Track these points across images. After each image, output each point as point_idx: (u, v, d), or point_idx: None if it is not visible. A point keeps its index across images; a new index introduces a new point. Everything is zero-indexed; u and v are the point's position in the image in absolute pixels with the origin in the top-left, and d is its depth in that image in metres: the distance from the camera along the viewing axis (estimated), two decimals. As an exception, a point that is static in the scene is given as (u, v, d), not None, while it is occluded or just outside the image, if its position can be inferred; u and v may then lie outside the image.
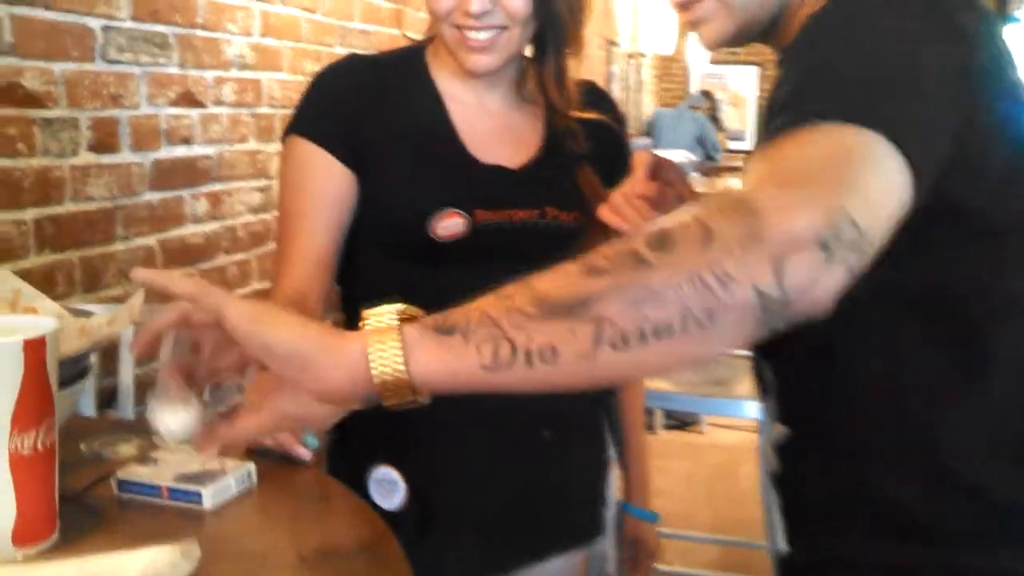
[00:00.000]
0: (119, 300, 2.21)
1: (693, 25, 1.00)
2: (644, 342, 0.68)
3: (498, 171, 1.38)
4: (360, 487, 1.31)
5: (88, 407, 1.89)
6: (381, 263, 1.37)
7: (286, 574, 0.97)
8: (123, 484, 1.12)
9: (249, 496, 1.13)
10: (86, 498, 1.10)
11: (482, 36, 1.29)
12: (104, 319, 1.24)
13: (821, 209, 0.69)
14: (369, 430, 1.25)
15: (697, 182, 6.65)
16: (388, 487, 1.33)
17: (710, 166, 8.91)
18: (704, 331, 0.68)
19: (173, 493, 1.10)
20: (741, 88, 11.71)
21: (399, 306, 0.79)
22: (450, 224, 1.31)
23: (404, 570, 0.97)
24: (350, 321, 1.40)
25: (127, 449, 1.26)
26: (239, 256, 2.93)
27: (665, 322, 0.68)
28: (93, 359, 1.29)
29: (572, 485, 1.44)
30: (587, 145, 1.42)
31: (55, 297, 1.42)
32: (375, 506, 1.25)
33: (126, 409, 1.96)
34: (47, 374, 0.92)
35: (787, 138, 0.77)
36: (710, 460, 4.58)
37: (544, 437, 1.38)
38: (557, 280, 0.72)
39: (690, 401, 2.85)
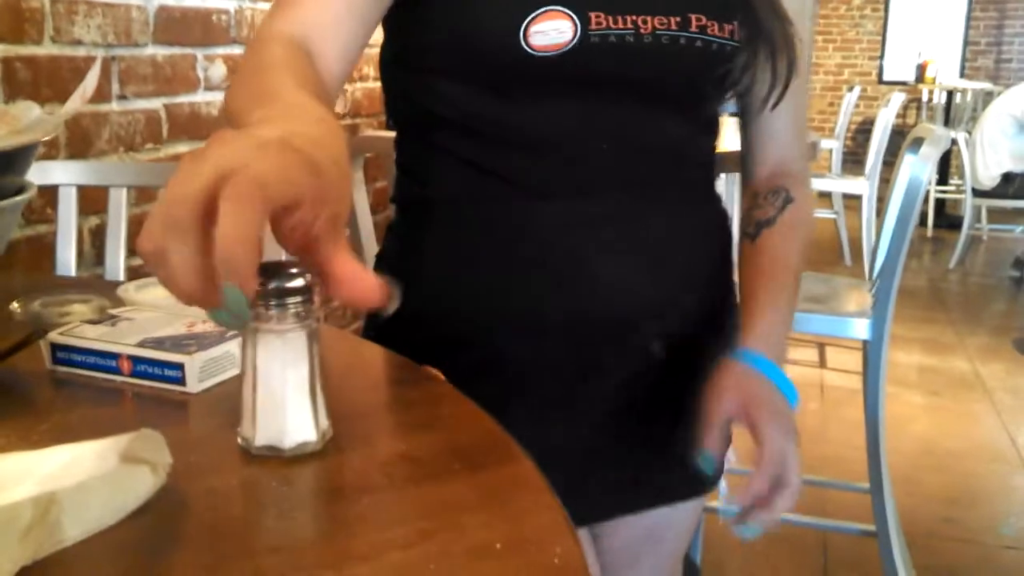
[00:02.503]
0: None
1: None
2: None
3: None
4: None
5: (66, 264, 1.47)
6: (452, 93, 0.91)
7: (318, 507, 0.55)
8: (60, 352, 0.70)
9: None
10: None
11: None
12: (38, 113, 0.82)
13: None
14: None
15: None
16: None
17: None
18: None
19: (139, 366, 0.68)
20: None
21: None
22: (550, 29, 0.86)
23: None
24: (407, 179, 0.98)
25: (81, 310, 0.84)
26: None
27: None
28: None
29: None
30: None
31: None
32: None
33: (115, 266, 1.53)
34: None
35: None
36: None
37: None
38: None
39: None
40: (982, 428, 3.43)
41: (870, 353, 2.19)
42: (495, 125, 0.89)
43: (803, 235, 1.00)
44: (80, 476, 0.45)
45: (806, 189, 1.02)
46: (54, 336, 0.71)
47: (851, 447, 2.86)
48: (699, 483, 1.02)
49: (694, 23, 0.90)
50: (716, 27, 0.91)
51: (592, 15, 0.86)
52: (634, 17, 0.88)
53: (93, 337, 0.70)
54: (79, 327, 0.72)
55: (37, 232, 1.74)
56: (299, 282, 0.56)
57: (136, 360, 0.68)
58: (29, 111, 0.91)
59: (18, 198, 0.83)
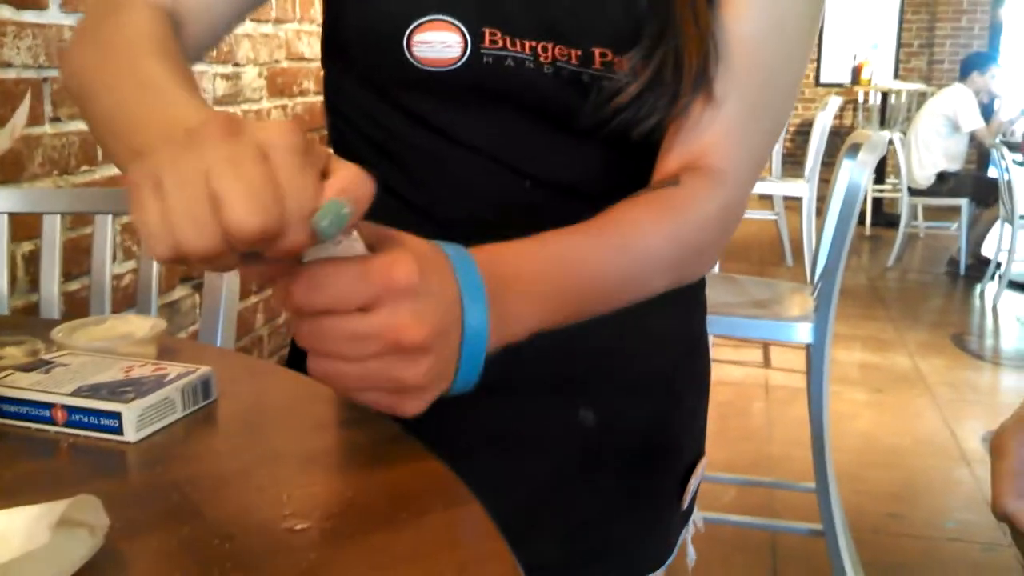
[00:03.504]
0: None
1: None
2: None
3: None
4: None
5: None
6: (356, 94, 0.86)
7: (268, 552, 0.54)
8: (-8, 402, 0.68)
9: (205, 418, 0.70)
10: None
11: None
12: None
13: None
14: None
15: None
16: None
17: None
18: None
19: (73, 416, 0.66)
20: None
21: None
22: (437, 41, 0.77)
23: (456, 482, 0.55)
24: (339, 152, 0.91)
25: (13, 353, 0.82)
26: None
27: None
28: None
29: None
30: None
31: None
32: None
33: (51, 294, 1.49)
34: None
35: None
36: (718, 398, 4.22)
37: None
38: None
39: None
40: (924, 423, 3.49)
41: (813, 356, 2.22)
42: (387, 133, 0.83)
43: (678, 224, 0.75)
44: (10, 553, 0.44)
45: (718, 190, 0.77)
46: (-17, 386, 0.68)
47: (797, 445, 2.90)
48: (649, 561, 0.94)
49: (598, 59, 0.77)
50: (624, 63, 0.76)
51: (487, 31, 0.77)
52: (533, 43, 0.77)
53: (25, 386, 0.68)
54: (11, 375, 0.70)
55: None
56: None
57: (71, 409, 0.66)
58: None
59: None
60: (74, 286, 1.98)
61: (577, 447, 0.87)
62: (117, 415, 0.65)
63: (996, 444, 0.70)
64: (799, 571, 2.48)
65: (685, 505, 0.95)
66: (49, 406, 0.66)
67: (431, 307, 0.54)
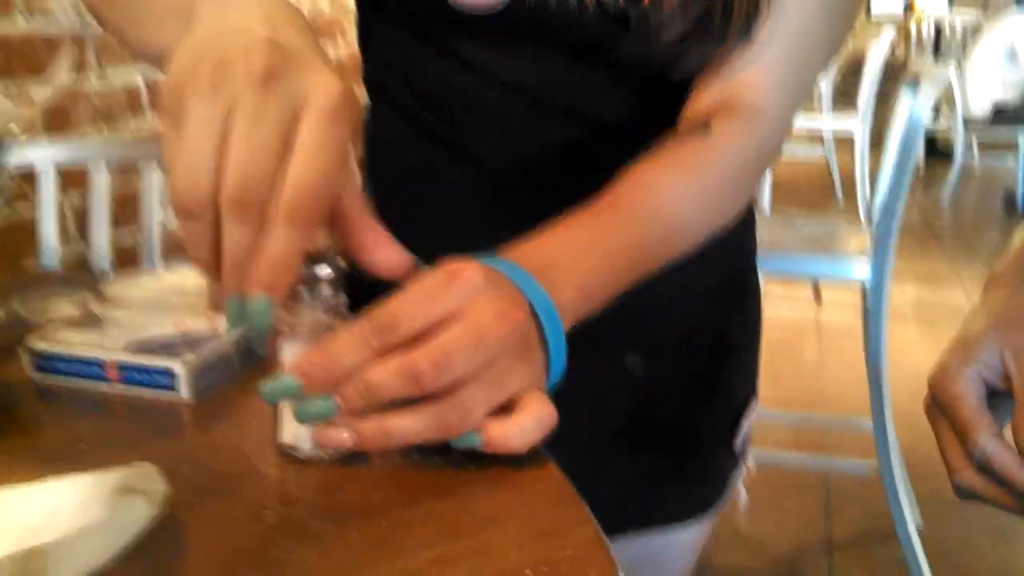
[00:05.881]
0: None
1: None
2: None
3: None
4: None
5: (51, 248, 1.42)
6: (395, 38, 0.81)
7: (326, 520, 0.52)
8: (42, 360, 0.66)
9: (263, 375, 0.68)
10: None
11: None
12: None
13: None
14: None
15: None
16: None
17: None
18: None
19: (126, 373, 0.64)
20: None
21: None
22: None
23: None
24: (372, 96, 0.87)
25: (65, 308, 0.80)
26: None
27: None
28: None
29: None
30: None
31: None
32: None
33: (101, 245, 1.48)
34: None
35: None
36: (769, 337, 4.16)
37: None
38: None
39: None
40: (981, 362, 3.41)
41: (871, 294, 2.17)
42: (429, 78, 0.79)
43: (708, 177, 0.71)
44: (64, 526, 0.41)
45: (753, 132, 0.73)
46: (34, 342, 0.66)
47: (852, 383, 2.85)
48: (701, 505, 0.91)
49: None
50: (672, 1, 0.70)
51: None
52: None
53: (77, 342, 0.66)
54: (62, 331, 0.68)
55: (20, 218, 1.68)
56: (327, 271, 0.53)
57: (124, 366, 0.64)
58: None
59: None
60: (124, 238, 1.98)
61: (626, 398, 0.85)
62: (172, 372, 0.62)
63: (943, 389, 0.61)
64: (854, 510, 2.45)
65: (737, 448, 0.92)
66: (101, 363, 0.64)
67: (505, 291, 0.53)
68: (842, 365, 3.31)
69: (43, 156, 1.41)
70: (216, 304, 0.73)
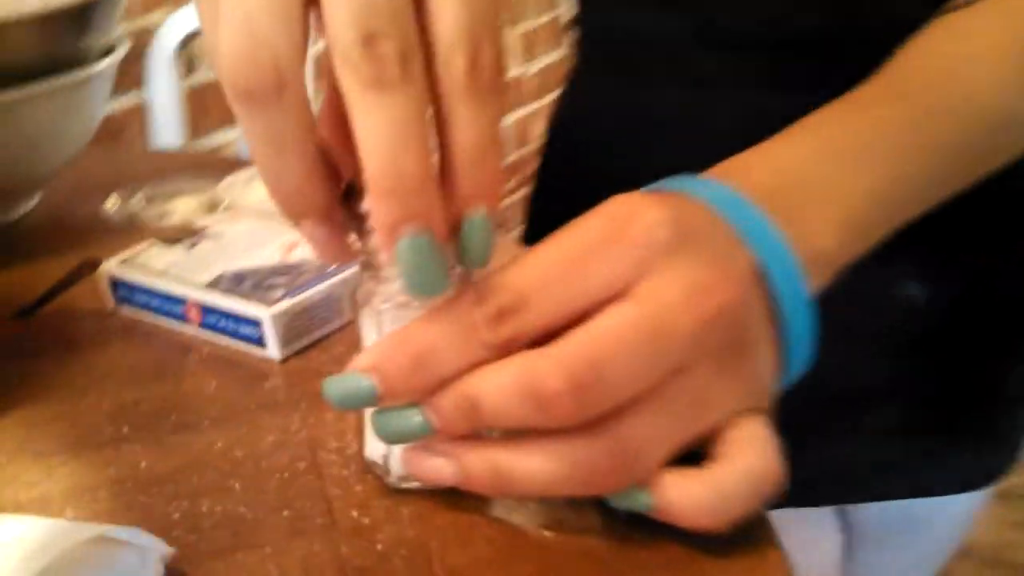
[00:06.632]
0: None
1: None
2: None
3: None
4: None
5: (172, 134, 1.31)
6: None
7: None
8: (121, 289, 0.54)
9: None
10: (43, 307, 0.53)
11: None
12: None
13: None
14: None
15: None
16: None
17: None
18: None
19: (208, 317, 0.50)
20: None
21: None
22: None
23: None
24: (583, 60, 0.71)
25: (186, 208, 0.67)
26: None
27: None
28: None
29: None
30: None
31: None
32: None
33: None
34: None
35: None
36: None
37: None
38: None
39: None
40: None
41: None
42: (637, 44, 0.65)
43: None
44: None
45: None
46: (113, 267, 0.54)
47: None
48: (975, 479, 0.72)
49: None
50: None
51: None
52: None
53: (161, 268, 0.53)
54: (147, 252, 0.55)
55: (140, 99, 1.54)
56: None
57: (206, 309, 0.50)
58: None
59: (105, 62, 0.65)
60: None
61: (899, 330, 0.63)
62: (256, 323, 0.48)
63: None
64: None
65: None
66: (182, 301, 0.51)
67: (709, 248, 0.34)
68: None
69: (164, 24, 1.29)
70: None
